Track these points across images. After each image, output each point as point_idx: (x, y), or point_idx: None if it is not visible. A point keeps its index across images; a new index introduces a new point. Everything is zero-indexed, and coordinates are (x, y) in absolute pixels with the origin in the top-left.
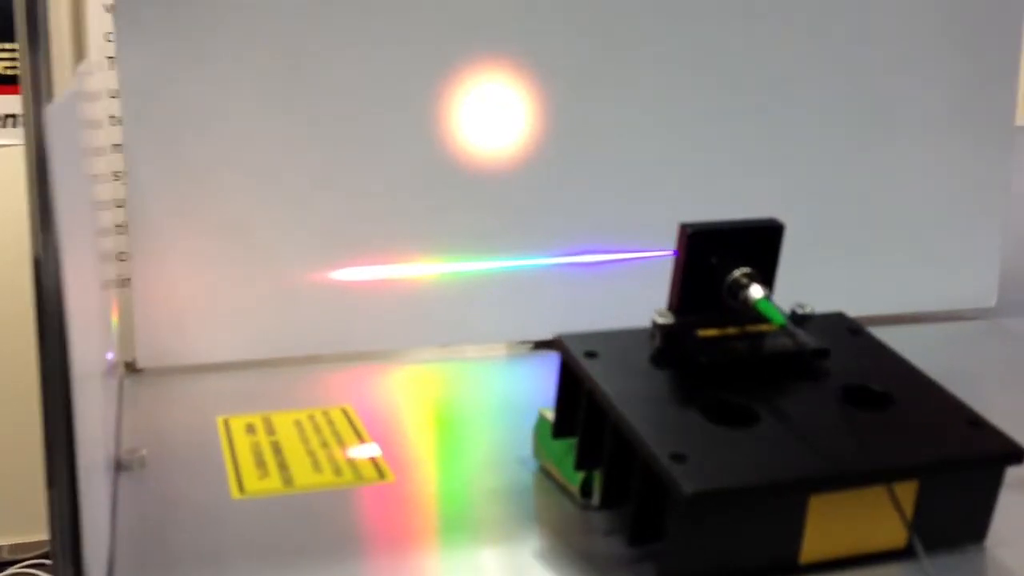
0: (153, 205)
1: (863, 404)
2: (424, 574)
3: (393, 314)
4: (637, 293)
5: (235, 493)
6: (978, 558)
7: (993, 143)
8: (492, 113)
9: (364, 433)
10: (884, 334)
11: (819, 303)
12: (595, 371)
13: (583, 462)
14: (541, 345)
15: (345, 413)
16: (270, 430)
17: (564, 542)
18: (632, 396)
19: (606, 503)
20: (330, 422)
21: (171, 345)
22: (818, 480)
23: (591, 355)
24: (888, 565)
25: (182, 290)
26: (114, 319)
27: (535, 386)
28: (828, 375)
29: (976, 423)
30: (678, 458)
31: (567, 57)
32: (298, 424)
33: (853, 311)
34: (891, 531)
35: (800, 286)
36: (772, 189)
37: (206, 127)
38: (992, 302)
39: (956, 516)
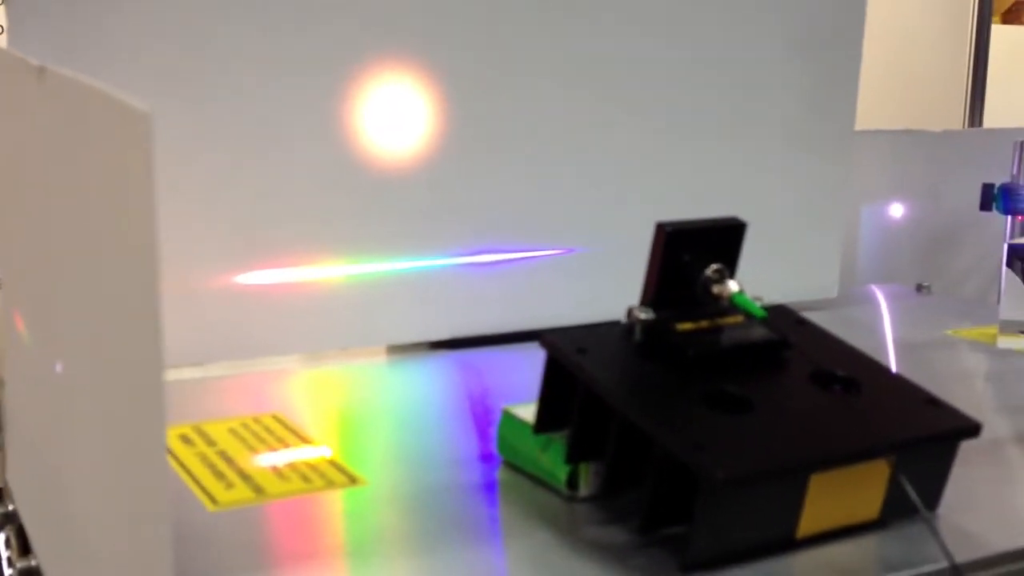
0: None
1: (831, 388)
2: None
3: (296, 317)
4: (528, 291)
5: (209, 506)
6: (940, 526)
7: (835, 148)
8: (395, 116)
9: (309, 438)
10: None
11: None
12: (592, 368)
13: (575, 455)
14: (438, 345)
15: (277, 419)
16: (209, 440)
17: (563, 533)
18: (632, 390)
19: (607, 493)
20: (267, 429)
21: None
22: (820, 460)
23: (582, 351)
24: (867, 535)
25: None
26: None
27: (449, 384)
28: (792, 363)
29: (934, 402)
30: (699, 447)
31: (468, 60)
32: (235, 432)
33: None
34: (868, 504)
35: None
36: (649, 190)
37: None
38: (834, 293)
39: (918, 487)
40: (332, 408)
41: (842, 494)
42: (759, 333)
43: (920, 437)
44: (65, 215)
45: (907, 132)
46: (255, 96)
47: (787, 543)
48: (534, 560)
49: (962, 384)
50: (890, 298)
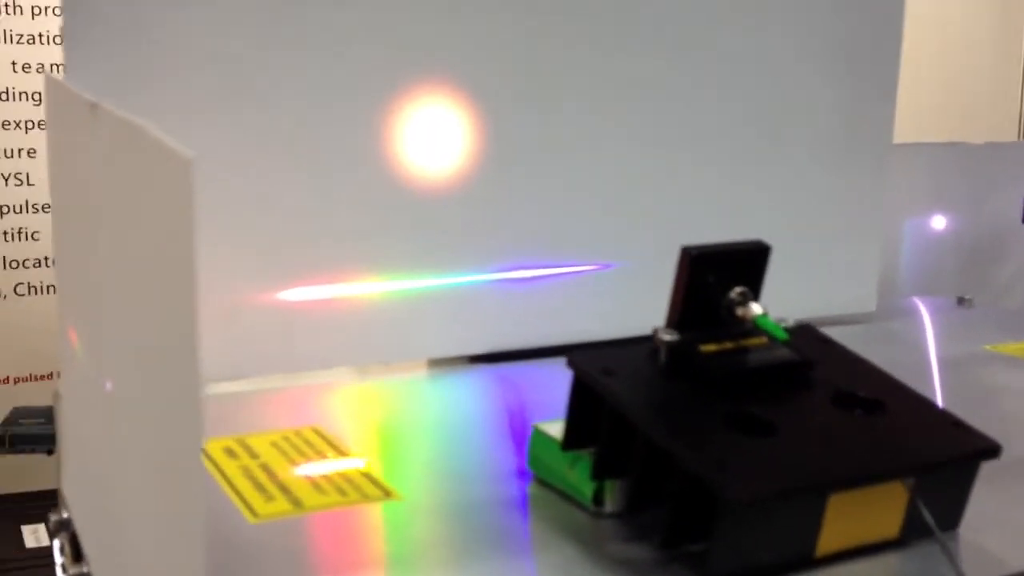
0: None
1: (854, 409)
2: None
3: (337, 332)
4: (562, 306)
5: (250, 518)
6: (960, 544)
7: (872, 162)
8: (431, 136)
9: (347, 451)
10: None
11: None
12: (619, 389)
13: (601, 472)
14: (477, 359)
15: (317, 432)
16: (252, 453)
17: (588, 548)
18: (657, 410)
19: (631, 510)
20: (307, 442)
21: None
22: (839, 480)
23: (609, 373)
24: (886, 554)
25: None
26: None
27: (487, 398)
28: (816, 384)
29: (958, 424)
30: (721, 467)
31: (503, 84)
32: (276, 445)
33: None
34: (888, 523)
35: None
36: (682, 205)
37: None
38: (872, 307)
39: (939, 506)
40: (371, 421)
41: (861, 514)
42: (782, 355)
43: (939, 459)
44: (113, 242)
45: (949, 144)
46: (298, 120)
47: (806, 561)
48: (550, 571)
49: (993, 400)
50: (930, 311)
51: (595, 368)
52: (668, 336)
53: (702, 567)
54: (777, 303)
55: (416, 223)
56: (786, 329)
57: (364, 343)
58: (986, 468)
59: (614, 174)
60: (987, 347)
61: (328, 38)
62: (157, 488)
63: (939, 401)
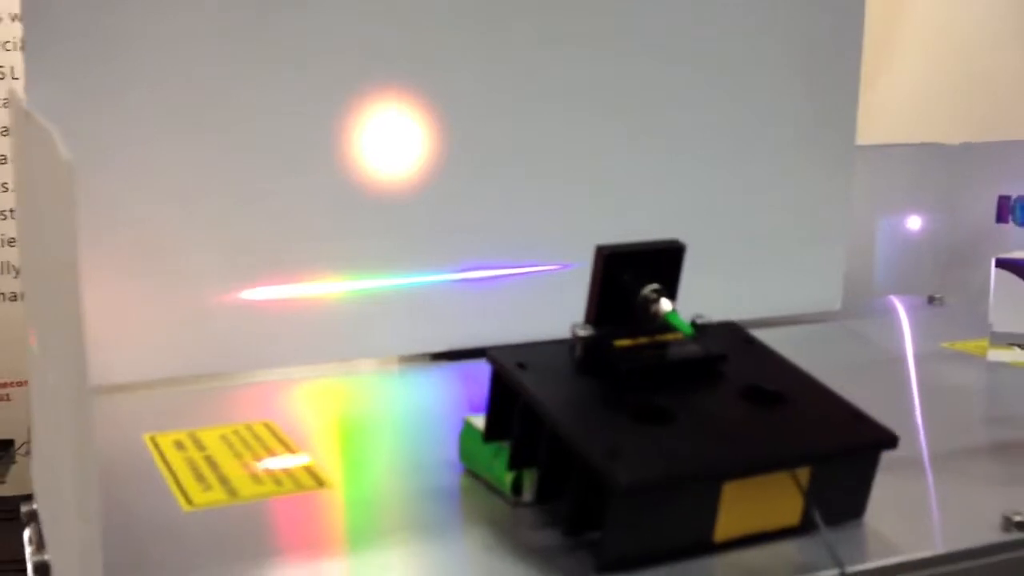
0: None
1: (760, 402)
2: (383, 570)
3: (299, 331)
4: (522, 305)
5: (184, 506)
6: (861, 531)
7: (836, 163)
8: (394, 140)
9: (292, 445)
10: None
11: (689, 310)
12: (529, 381)
13: (516, 463)
14: (438, 356)
15: (268, 427)
16: (200, 446)
17: (501, 535)
18: (564, 402)
19: (541, 499)
20: (256, 436)
21: None
22: (732, 469)
23: (522, 366)
24: (785, 540)
25: (94, 313)
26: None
27: (439, 394)
28: (727, 377)
29: (856, 415)
30: (612, 455)
31: (463, 89)
32: (225, 439)
33: (716, 315)
34: (788, 511)
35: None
36: (646, 210)
37: (118, 155)
38: (838, 305)
39: (841, 496)
40: (323, 416)
41: (759, 502)
42: (693, 350)
43: (835, 449)
44: (38, 242)
45: (925, 145)
46: (263, 126)
47: (705, 546)
48: (465, 559)
49: (934, 395)
50: (898, 310)
51: (510, 362)
52: (583, 331)
53: (597, 552)
54: (744, 301)
55: (379, 225)
56: (710, 326)
57: (327, 341)
58: (902, 459)
59: (576, 177)
60: (944, 344)
61: (292, 48)
62: (70, 479)
63: (881, 396)
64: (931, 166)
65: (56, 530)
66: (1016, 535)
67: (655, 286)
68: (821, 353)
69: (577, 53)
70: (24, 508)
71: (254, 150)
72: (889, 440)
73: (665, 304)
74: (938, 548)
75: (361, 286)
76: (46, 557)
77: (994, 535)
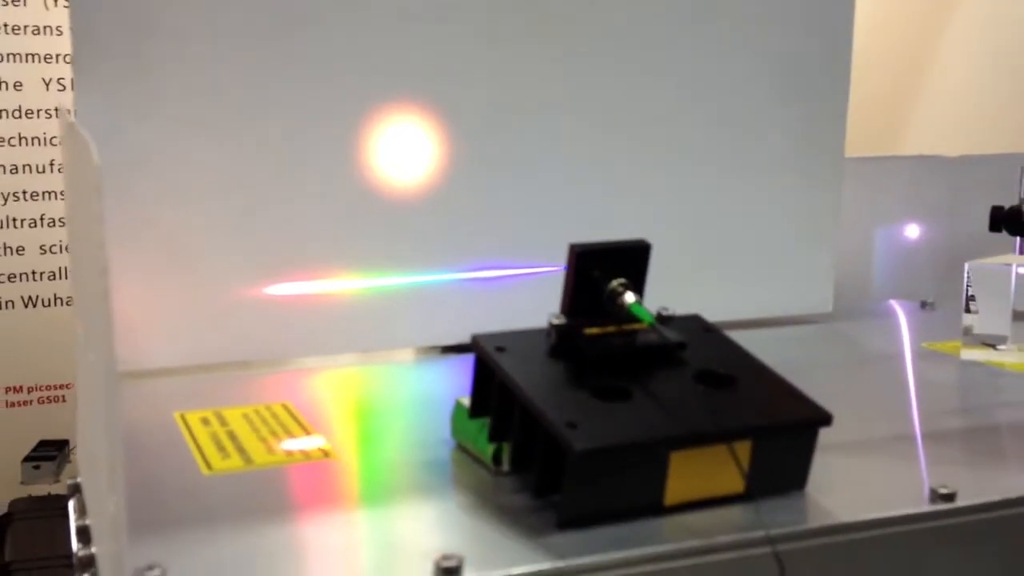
0: (108, 232)
1: (712, 384)
2: (372, 528)
3: (318, 324)
4: (529, 303)
5: (204, 471)
6: (800, 500)
7: (827, 173)
8: (406, 149)
9: (306, 423)
10: (742, 335)
11: (686, 309)
12: (505, 362)
13: (495, 436)
14: (448, 349)
15: (286, 408)
16: (223, 422)
17: (481, 499)
18: (535, 382)
19: (515, 468)
20: (274, 415)
21: (119, 352)
22: (676, 440)
23: (501, 350)
24: (730, 507)
25: (132, 306)
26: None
27: (445, 382)
28: (685, 363)
29: (796, 396)
30: (571, 425)
31: (470, 101)
32: (247, 417)
33: (714, 317)
34: (733, 480)
35: (670, 295)
36: (645, 214)
37: (155, 162)
38: (829, 308)
39: (782, 468)
40: (336, 400)
41: (704, 470)
42: (654, 338)
43: (773, 425)
44: (80, 241)
45: (926, 157)
46: (286, 138)
47: (656, 509)
48: (448, 517)
49: (900, 389)
50: (890, 314)
51: (491, 345)
52: (557, 320)
53: (558, 510)
54: (740, 303)
55: (393, 227)
56: (675, 317)
57: (344, 334)
58: (852, 441)
59: (580, 184)
60: (925, 344)
61: (309, 66)
62: (100, 452)
63: (850, 388)
64: (930, 177)
65: (94, 499)
66: (940, 506)
67: (622, 280)
68: (806, 351)
69: (579, 68)
70: (69, 481)
71: (277, 158)
72: (824, 418)
73: (629, 296)
74: (867, 515)
75: (376, 283)
76: (87, 522)
77: (920, 506)
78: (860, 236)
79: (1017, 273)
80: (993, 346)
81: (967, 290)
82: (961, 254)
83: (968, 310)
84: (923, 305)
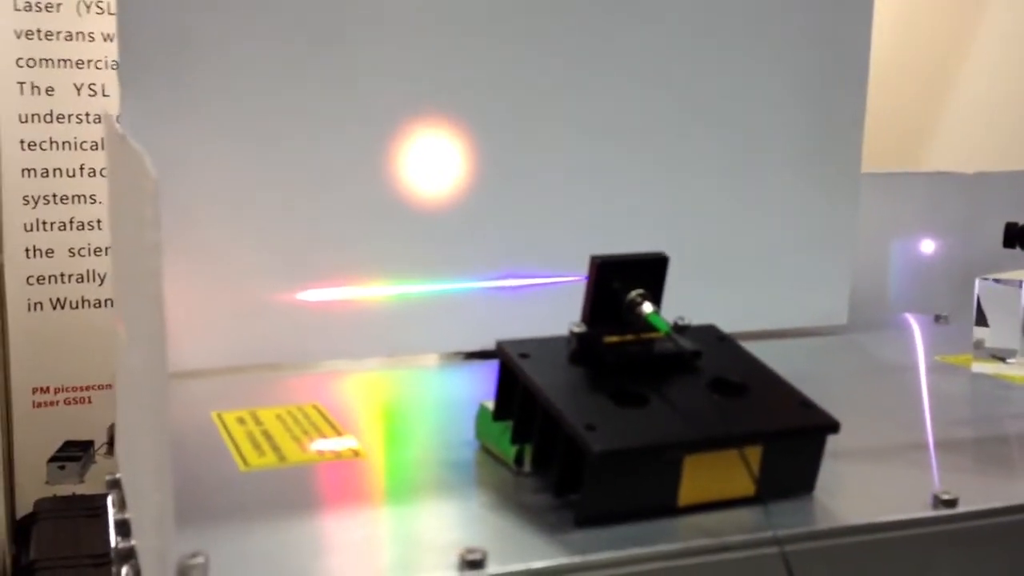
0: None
1: (725, 392)
2: (399, 522)
3: (347, 329)
4: (550, 311)
5: (241, 467)
6: (809, 503)
7: (843, 185)
8: (433, 158)
9: (336, 423)
10: (757, 346)
11: (702, 319)
12: (528, 368)
13: (517, 438)
14: (471, 355)
15: (317, 408)
16: (258, 421)
17: (503, 498)
18: (556, 387)
19: (536, 468)
20: (306, 415)
21: None
22: (690, 444)
23: (524, 356)
24: (741, 508)
25: (170, 309)
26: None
27: (468, 386)
28: (700, 371)
29: (807, 404)
30: (590, 428)
31: (495, 113)
32: (280, 417)
33: (730, 327)
34: (744, 483)
35: (686, 307)
36: (662, 225)
37: (194, 170)
38: (844, 320)
39: (792, 472)
40: (365, 402)
41: (717, 474)
42: (671, 346)
43: (782, 431)
44: (127, 246)
45: (944, 173)
46: (319, 147)
47: (670, 509)
48: (471, 515)
49: (911, 399)
50: (904, 327)
51: (515, 352)
52: (577, 329)
53: (577, 509)
54: (755, 315)
55: (420, 236)
56: (690, 327)
57: (372, 338)
58: (861, 448)
59: (600, 195)
60: (938, 357)
61: (341, 77)
62: (147, 452)
63: (863, 397)
64: (947, 193)
65: (135, 494)
66: (942, 511)
67: (640, 291)
68: (819, 361)
69: (603, 81)
70: (108, 477)
71: (310, 167)
72: (831, 425)
73: (647, 306)
74: (870, 519)
75: (405, 290)
76: (127, 516)
77: (923, 511)
78: (877, 250)
79: None
80: (1003, 359)
81: (976, 304)
82: (977, 269)
83: (979, 324)
84: (937, 319)
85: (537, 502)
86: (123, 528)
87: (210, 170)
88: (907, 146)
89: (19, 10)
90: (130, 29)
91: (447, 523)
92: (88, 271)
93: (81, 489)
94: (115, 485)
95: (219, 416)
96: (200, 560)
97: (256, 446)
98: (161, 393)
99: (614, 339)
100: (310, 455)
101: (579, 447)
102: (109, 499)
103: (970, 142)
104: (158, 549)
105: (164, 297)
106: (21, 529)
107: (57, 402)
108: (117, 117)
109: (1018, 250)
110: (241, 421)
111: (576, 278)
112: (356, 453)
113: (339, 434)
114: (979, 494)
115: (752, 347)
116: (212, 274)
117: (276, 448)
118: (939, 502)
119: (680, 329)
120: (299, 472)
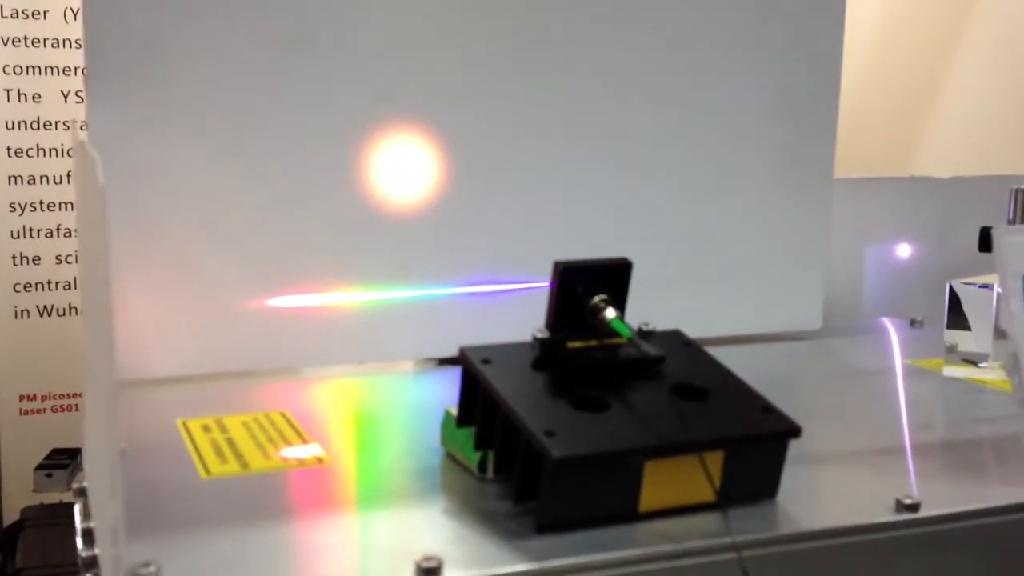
0: (115, 244)
1: (687, 397)
2: (361, 529)
3: (319, 336)
4: (520, 316)
5: (203, 474)
6: (770, 508)
7: (816, 193)
8: (406, 166)
9: (302, 431)
10: (731, 351)
11: (677, 326)
12: (490, 374)
13: (480, 444)
14: (444, 362)
15: (284, 416)
16: (223, 429)
17: (466, 504)
18: (517, 393)
19: (498, 475)
20: (272, 423)
21: (127, 361)
22: (650, 450)
23: (486, 362)
24: (703, 514)
25: (137, 316)
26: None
27: (439, 393)
28: (663, 376)
29: (768, 409)
30: (549, 434)
31: (466, 121)
32: (246, 424)
33: (704, 333)
34: (705, 489)
35: (661, 311)
36: (637, 232)
37: (162, 179)
38: (818, 325)
39: (753, 478)
40: (334, 409)
41: (677, 479)
42: (634, 352)
43: (742, 437)
44: (86, 252)
45: (919, 178)
46: (290, 155)
47: (631, 515)
48: (432, 521)
49: (878, 402)
50: (879, 331)
51: (477, 358)
52: (540, 334)
53: (536, 515)
54: (730, 320)
55: (392, 243)
56: (655, 332)
57: (344, 345)
58: (825, 452)
59: (570, 202)
60: (909, 361)
61: (313, 85)
62: (101, 457)
63: (830, 401)
64: (922, 198)
65: (97, 502)
66: (904, 515)
67: (603, 296)
68: (792, 366)
69: (572, 90)
70: (75, 485)
71: (280, 174)
72: (793, 430)
73: (610, 312)
74: (832, 524)
75: (375, 297)
76: (92, 524)
77: (885, 515)
78: (852, 255)
79: (999, 293)
80: (975, 363)
81: (947, 309)
82: (952, 274)
83: (951, 328)
84: (912, 323)
85: (499, 508)
86: (88, 537)
87: (179, 177)
88: (893, 152)
89: (6, 17)
90: (97, 32)
91: (407, 530)
92: (75, 279)
93: (68, 497)
94: (83, 493)
95: (184, 424)
96: (151, 569)
97: (219, 454)
98: (112, 403)
99: (577, 345)
100: (274, 463)
101: (538, 453)
102: (76, 507)
103: (955, 148)
104: (113, 558)
105: (114, 307)
106: (8, 537)
107: (44, 409)
108: (81, 124)
109: (993, 254)
110: (206, 429)
111: (548, 283)
112: (320, 460)
113: (305, 442)
114: (943, 498)
115: (726, 352)
116: (183, 281)
117: (239, 456)
118: (901, 507)
119: (644, 334)
120: (261, 480)
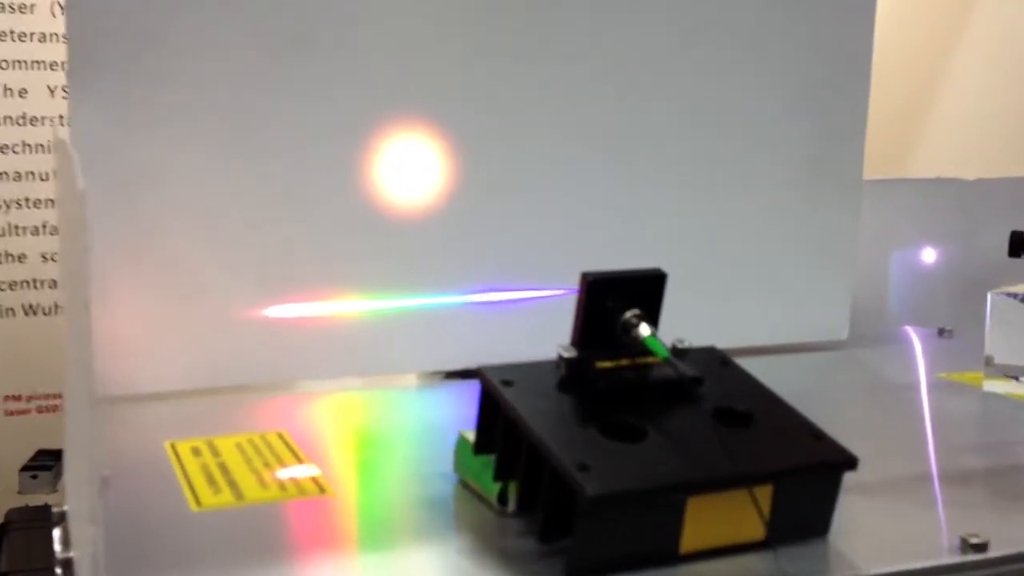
0: (103, 250)
1: (730, 422)
2: (366, 573)
3: (319, 347)
4: (533, 327)
5: (193, 506)
6: (822, 548)
7: (844, 196)
8: (411, 170)
9: (301, 454)
10: (755, 363)
11: (698, 337)
12: (512, 397)
13: (500, 474)
14: (452, 375)
15: (281, 437)
16: (215, 452)
17: (484, 542)
18: (543, 418)
19: (521, 509)
20: (269, 445)
21: (115, 375)
22: (694, 484)
23: (507, 383)
24: (749, 555)
25: (128, 326)
26: None
27: (449, 410)
28: (702, 399)
29: (819, 437)
30: (583, 467)
31: (474, 123)
32: (240, 447)
33: (727, 344)
34: (753, 526)
35: (679, 323)
36: (653, 238)
37: (154, 183)
38: (844, 335)
39: (804, 513)
40: (336, 428)
41: (723, 516)
42: (670, 372)
43: (795, 469)
44: (66, 257)
45: (943, 180)
46: (289, 157)
47: (670, 557)
48: (446, 563)
49: (918, 423)
50: (906, 340)
51: (497, 379)
52: (567, 353)
53: (566, 558)
54: (753, 330)
55: (396, 249)
56: (691, 350)
57: (346, 357)
58: (874, 482)
59: (585, 206)
60: (942, 375)
61: (312, 85)
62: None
63: (867, 421)
64: (946, 200)
65: (77, 530)
66: (971, 556)
67: (636, 311)
68: (822, 380)
69: (586, 89)
70: (56, 510)
71: (279, 177)
72: (849, 461)
73: (644, 329)
74: (894, 566)
75: (379, 306)
76: (71, 554)
77: (951, 556)
78: (875, 260)
79: None
80: (1016, 378)
81: (989, 319)
82: (978, 279)
83: (990, 340)
84: (940, 332)
85: (523, 548)
86: (67, 567)
87: (171, 181)
88: (892, 152)
89: None
90: (81, 26)
91: (420, 573)
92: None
93: (53, 499)
94: (63, 519)
95: (172, 446)
96: None
97: (211, 482)
98: (91, 423)
99: (607, 364)
100: (271, 492)
101: (570, 488)
102: (55, 534)
103: (955, 148)
104: None
105: (91, 319)
106: None
107: (29, 410)
108: (61, 119)
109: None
110: (196, 452)
111: (562, 291)
112: (322, 490)
113: (305, 467)
114: (1012, 535)
115: (751, 364)
116: (176, 290)
117: (233, 484)
118: (967, 546)
119: (679, 353)
120: (257, 512)
